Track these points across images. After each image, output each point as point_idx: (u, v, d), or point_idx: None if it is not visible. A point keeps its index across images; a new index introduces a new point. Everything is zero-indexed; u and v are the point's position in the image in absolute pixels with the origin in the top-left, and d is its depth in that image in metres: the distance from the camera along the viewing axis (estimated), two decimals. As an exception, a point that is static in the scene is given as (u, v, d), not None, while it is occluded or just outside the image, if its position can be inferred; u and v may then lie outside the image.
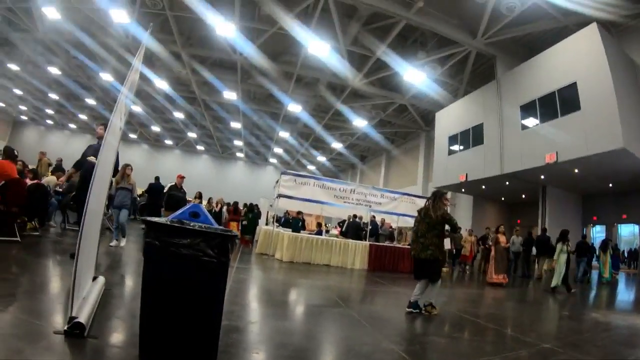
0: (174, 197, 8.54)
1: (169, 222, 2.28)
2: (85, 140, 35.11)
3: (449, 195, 5.45)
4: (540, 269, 13.18)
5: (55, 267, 4.79)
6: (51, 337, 2.39)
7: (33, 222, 6.75)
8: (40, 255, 5.35)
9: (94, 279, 3.62)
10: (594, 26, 10.85)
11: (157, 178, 13.00)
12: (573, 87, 11.55)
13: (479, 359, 3.36)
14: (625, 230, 19.89)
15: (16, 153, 6.06)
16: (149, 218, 2.32)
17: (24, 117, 34.30)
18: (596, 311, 7.24)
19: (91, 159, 4.36)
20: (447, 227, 5.12)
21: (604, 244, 12.65)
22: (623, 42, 12.49)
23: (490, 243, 11.48)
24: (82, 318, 2.50)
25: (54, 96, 25.95)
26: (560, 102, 12.09)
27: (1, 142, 27.28)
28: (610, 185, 14.95)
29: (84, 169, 5.12)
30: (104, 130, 4.36)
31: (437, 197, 5.18)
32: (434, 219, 4.96)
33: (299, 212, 12.74)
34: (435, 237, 4.96)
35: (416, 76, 15.25)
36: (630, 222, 17.26)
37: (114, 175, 5.82)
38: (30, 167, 9.20)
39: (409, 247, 12.37)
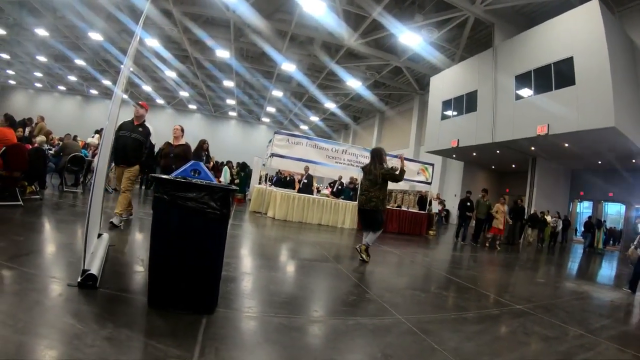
0: (121, 140, 5.06)
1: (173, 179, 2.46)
2: (76, 101, 34.45)
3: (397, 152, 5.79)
4: (527, 237, 14.08)
5: (60, 226, 4.98)
6: (66, 289, 2.56)
7: (33, 186, 6.76)
8: (44, 217, 5.50)
9: (99, 236, 3.82)
10: (595, 2, 10.63)
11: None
12: (569, 61, 11.49)
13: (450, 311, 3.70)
14: (612, 209, 20.43)
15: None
16: (157, 175, 2.50)
17: (11, 82, 33.45)
18: None
19: None
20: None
21: (598, 223, 14.60)
22: (625, 21, 12.33)
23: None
24: (94, 270, 2.68)
25: (42, 58, 25.27)
26: (555, 75, 12.05)
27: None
28: (600, 162, 15.21)
29: None
30: None
31: (376, 156, 5.67)
32: (377, 175, 5.52)
33: (342, 177, 13.08)
34: (378, 191, 5.54)
35: (412, 39, 15.06)
36: (617, 201, 17.63)
37: None
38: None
39: (397, 208, 12.88)
